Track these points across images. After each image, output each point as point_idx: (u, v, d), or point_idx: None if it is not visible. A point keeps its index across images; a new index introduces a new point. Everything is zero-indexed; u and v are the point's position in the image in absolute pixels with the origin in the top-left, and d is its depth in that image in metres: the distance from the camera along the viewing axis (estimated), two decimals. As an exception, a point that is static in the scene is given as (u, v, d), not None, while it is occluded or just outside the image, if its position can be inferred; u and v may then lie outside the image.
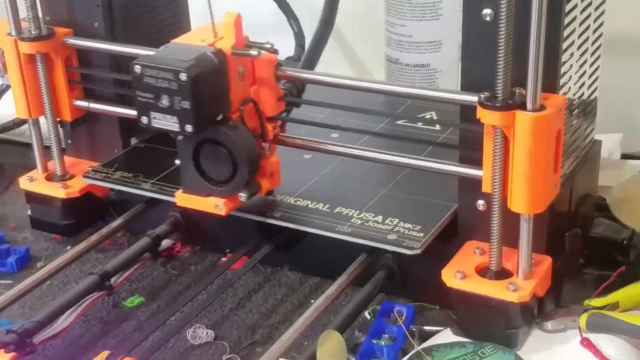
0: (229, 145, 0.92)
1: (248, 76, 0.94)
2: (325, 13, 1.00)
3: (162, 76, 0.88)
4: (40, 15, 1.09)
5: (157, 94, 0.88)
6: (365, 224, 0.97)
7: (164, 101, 0.88)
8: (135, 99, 0.91)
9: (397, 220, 0.97)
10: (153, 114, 0.90)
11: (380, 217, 0.98)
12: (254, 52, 0.91)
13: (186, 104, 0.87)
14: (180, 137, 0.93)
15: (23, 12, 1.08)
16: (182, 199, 0.98)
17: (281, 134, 0.99)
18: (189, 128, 0.89)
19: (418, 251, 0.93)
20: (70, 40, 1.10)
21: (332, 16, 0.99)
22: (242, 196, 0.94)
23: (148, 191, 1.07)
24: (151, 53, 0.93)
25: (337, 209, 0.99)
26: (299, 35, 1.31)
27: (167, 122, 0.89)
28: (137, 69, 0.89)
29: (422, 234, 0.95)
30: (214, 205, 0.95)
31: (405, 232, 0.94)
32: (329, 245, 0.99)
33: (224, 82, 0.91)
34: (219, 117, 0.91)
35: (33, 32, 1.08)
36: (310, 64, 1.00)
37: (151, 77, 0.88)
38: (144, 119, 0.91)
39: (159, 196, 1.07)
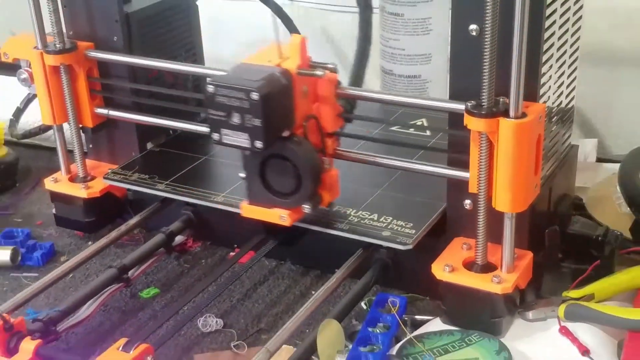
0: (295, 159, 0.90)
1: (311, 94, 0.92)
2: (362, 31, 0.97)
3: (234, 95, 0.86)
4: (64, 30, 1.09)
5: (228, 111, 0.86)
6: (362, 221, 0.97)
7: (235, 119, 0.86)
8: (207, 116, 0.89)
9: (390, 218, 0.97)
10: (224, 131, 0.88)
11: (376, 215, 0.98)
12: (319, 73, 0.89)
13: (257, 122, 0.86)
14: (246, 153, 0.91)
15: (48, 27, 1.07)
16: (248, 210, 0.95)
17: (338, 148, 0.96)
18: (258, 144, 0.87)
19: (410, 246, 0.93)
20: (91, 53, 1.10)
21: (369, 33, 0.96)
22: (306, 208, 0.92)
23: (163, 191, 1.07)
24: (170, 65, 0.92)
25: (336, 208, 0.99)
26: None
27: (237, 139, 0.87)
28: (211, 88, 0.87)
29: (413, 231, 0.94)
30: (279, 216, 0.93)
31: (398, 229, 0.94)
32: (329, 241, 0.99)
33: (290, 100, 0.89)
34: (285, 133, 0.89)
35: (58, 45, 1.08)
36: (358, 80, 0.98)
37: (223, 96, 0.86)
38: (216, 136, 0.89)
39: (173, 196, 1.06)
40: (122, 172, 1.11)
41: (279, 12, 1.29)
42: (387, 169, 1.00)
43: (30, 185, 1.32)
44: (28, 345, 0.87)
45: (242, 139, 0.87)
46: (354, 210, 0.99)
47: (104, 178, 1.11)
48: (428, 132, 1.12)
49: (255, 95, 0.85)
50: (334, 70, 0.92)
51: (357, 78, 0.98)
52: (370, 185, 1.04)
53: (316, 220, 0.96)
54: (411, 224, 0.95)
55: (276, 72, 0.88)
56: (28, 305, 0.98)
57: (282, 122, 0.89)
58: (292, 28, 1.29)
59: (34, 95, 1.14)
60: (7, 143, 1.33)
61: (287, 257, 1.10)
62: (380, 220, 0.97)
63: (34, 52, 1.08)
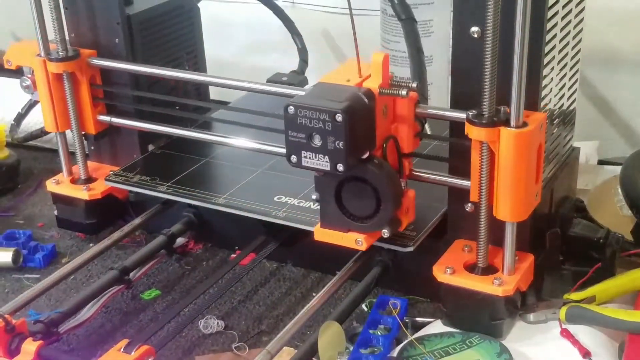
0: (375, 182, 0.86)
1: (390, 114, 0.88)
2: (412, 45, 0.91)
3: (316, 117, 0.82)
4: (67, 37, 1.09)
5: (309, 134, 0.83)
6: None
7: (316, 141, 0.83)
8: (286, 138, 0.84)
9: None
10: (304, 154, 0.84)
11: None
12: (403, 92, 0.85)
13: (340, 144, 0.82)
14: (321, 175, 0.87)
15: (51, 33, 1.07)
16: (321, 234, 0.91)
17: (414, 169, 0.93)
18: (340, 167, 0.83)
19: (411, 248, 0.92)
20: (94, 60, 1.10)
21: (419, 42, 0.91)
22: (385, 232, 0.88)
23: (164, 193, 1.07)
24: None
25: None
26: (302, 51, 1.30)
27: (317, 162, 0.83)
28: (291, 110, 0.83)
29: (414, 233, 0.94)
30: (355, 240, 0.89)
31: (400, 232, 0.94)
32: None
33: (372, 121, 0.85)
34: (364, 155, 0.86)
35: (60, 53, 1.08)
36: (424, 96, 0.92)
37: (305, 118, 0.82)
38: (294, 158, 0.84)
39: (174, 198, 1.06)
40: (123, 174, 1.11)
41: (280, 14, 1.29)
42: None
43: (32, 187, 1.32)
44: (30, 347, 0.87)
45: (322, 162, 0.83)
46: None
47: (106, 180, 1.11)
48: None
49: (339, 117, 0.81)
50: (413, 89, 0.87)
51: (423, 95, 0.91)
52: None
53: (316, 222, 0.96)
54: (412, 226, 0.95)
55: (359, 92, 0.84)
56: (30, 306, 0.98)
57: (364, 144, 0.85)
58: (293, 30, 1.29)
59: (36, 102, 1.14)
60: (8, 145, 1.33)
61: (288, 259, 1.10)
62: None
63: (37, 60, 1.08)
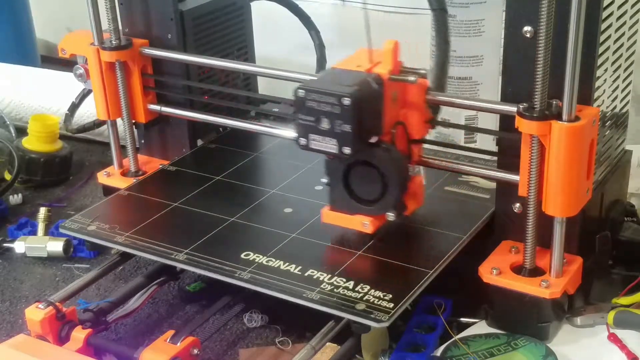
0: (382, 166, 0.88)
1: (400, 100, 0.90)
2: (440, 35, 0.90)
3: (324, 100, 0.84)
4: (120, 27, 1.11)
5: (318, 117, 0.85)
6: (335, 289, 0.86)
7: (324, 124, 0.85)
8: (296, 121, 0.87)
9: (367, 287, 0.86)
10: (312, 136, 0.86)
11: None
12: (411, 78, 0.87)
13: (347, 127, 0.84)
14: (331, 158, 0.89)
15: (104, 24, 1.09)
16: (329, 216, 0.93)
17: (423, 155, 0.94)
18: (347, 150, 0.85)
19: (386, 324, 0.82)
20: (146, 50, 1.12)
21: (448, 35, 0.93)
22: (390, 215, 0.90)
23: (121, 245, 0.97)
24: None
25: (308, 272, 0.89)
26: (320, 47, 1.30)
27: (325, 144, 0.86)
28: (301, 93, 0.85)
29: (392, 305, 0.83)
30: (361, 223, 0.91)
31: (376, 303, 0.83)
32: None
33: (380, 106, 0.87)
34: (373, 140, 0.88)
35: (114, 42, 1.10)
36: (441, 86, 0.93)
37: (314, 101, 0.85)
38: (303, 140, 0.87)
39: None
40: (80, 220, 1.02)
41: (295, 9, 1.29)
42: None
43: (83, 179, 1.35)
44: (79, 335, 0.88)
45: (330, 145, 0.85)
46: (328, 277, 0.88)
47: (61, 228, 1.02)
48: (423, 182, 0.99)
49: (346, 101, 0.83)
50: (424, 76, 0.89)
51: (440, 84, 0.93)
52: (348, 246, 0.93)
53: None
54: (389, 296, 0.84)
55: (368, 78, 0.86)
56: (79, 295, 0.99)
57: (372, 128, 0.87)
58: (311, 26, 1.29)
59: (89, 91, 1.17)
60: (61, 137, 1.36)
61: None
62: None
63: (91, 49, 1.10)
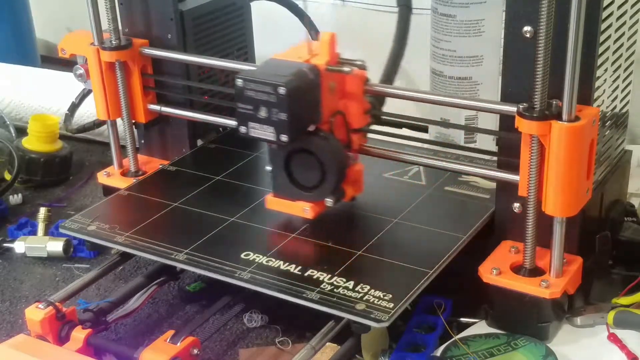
0: (320, 154, 0.91)
1: (338, 90, 0.93)
2: (400, 31, 0.97)
3: (261, 89, 0.87)
4: (120, 27, 1.11)
5: (256, 105, 0.88)
6: (335, 289, 0.86)
7: (262, 112, 0.88)
8: (236, 110, 0.90)
9: (367, 287, 0.86)
10: (251, 124, 0.89)
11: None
12: (346, 69, 0.90)
13: (283, 116, 0.87)
14: (273, 146, 0.93)
15: (104, 24, 1.09)
16: (272, 202, 0.97)
17: (365, 144, 0.97)
18: (284, 138, 0.88)
19: (386, 324, 0.82)
20: (146, 50, 1.12)
21: (406, 33, 0.96)
22: (329, 201, 0.93)
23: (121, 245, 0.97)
24: (220, 63, 0.91)
25: (308, 272, 0.89)
26: None
27: (263, 132, 0.89)
28: (239, 82, 0.89)
29: (391, 305, 0.83)
30: (302, 209, 0.94)
31: (376, 303, 0.84)
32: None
33: (317, 95, 0.90)
34: (311, 128, 0.91)
35: (114, 42, 1.10)
36: (389, 79, 0.98)
37: (252, 90, 0.88)
38: (243, 129, 0.90)
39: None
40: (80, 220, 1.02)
41: (293, 8, 1.29)
42: (370, 226, 0.95)
43: (83, 179, 1.35)
44: (79, 334, 0.88)
45: (268, 132, 0.89)
46: (328, 277, 0.89)
47: (61, 228, 1.02)
48: (424, 182, 1.06)
49: (282, 90, 0.86)
50: (362, 67, 0.92)
51: (389, 77, 0.98)
52: (349, 245, 0.93)
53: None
54: (389, 296, 0.84)
55: (304, 68, 0.89)
56: (79, 295, 0.99)
57: (308, 117, 0.90)
58: (311, 26, 1.29)
59: (89, 91, 1.17)
60: (61, 137, 1.36)
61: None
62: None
63: (91, 49, 1.10)
